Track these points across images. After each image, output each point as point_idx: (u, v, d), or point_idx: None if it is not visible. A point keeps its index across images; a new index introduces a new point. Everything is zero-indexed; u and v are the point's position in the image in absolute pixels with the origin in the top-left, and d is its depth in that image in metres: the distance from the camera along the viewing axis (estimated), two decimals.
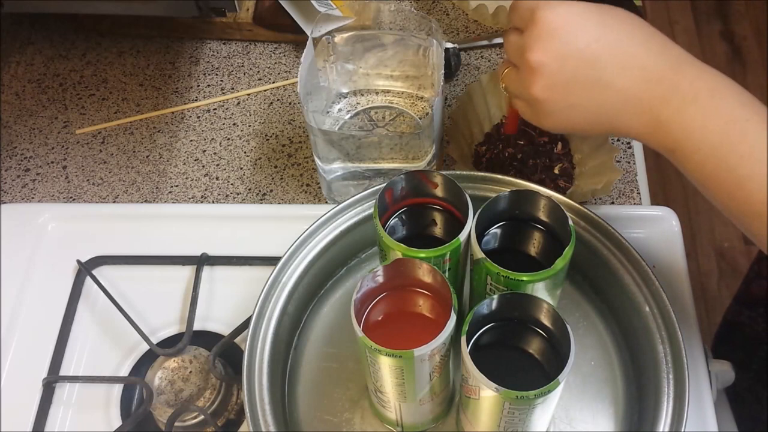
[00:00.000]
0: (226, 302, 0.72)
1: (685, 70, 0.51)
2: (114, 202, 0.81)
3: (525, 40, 0.52)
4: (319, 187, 0.79)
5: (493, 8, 0.88)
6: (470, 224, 0.56)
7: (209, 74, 0.89)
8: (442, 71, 0.69)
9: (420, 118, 0.78)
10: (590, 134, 0.56)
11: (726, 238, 1.75)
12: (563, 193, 0.67)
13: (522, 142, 0.77)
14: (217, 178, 0.81)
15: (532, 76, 0.52)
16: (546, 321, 0.53)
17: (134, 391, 0.68)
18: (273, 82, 0.88)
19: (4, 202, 0.81)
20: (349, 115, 0.79)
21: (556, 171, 0.76)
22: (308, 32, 0.73)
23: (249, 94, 0.87)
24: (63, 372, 0.69)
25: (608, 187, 0.72)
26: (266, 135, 0.84)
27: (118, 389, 0.68)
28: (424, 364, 0.51)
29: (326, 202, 0.78)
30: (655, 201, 0.79)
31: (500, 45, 0.88)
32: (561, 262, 0.54)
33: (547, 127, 0.55)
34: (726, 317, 0.98)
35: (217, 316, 0.71)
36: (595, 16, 0.51)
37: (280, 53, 0.90)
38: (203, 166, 0.82)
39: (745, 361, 0.75)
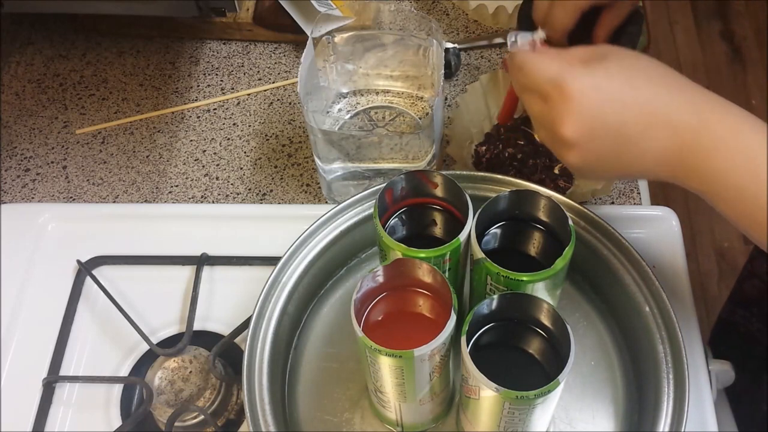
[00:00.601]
0: (226, 302, 0.72)
1: (708, 115, 0.52)
2: (114, 202, 0.81)
3: (552, 114, 0.53)
4: (319, 187, 0.79)
5: (493, 8, 0.88)
6: (470, 224, 0.56)
7: (209, 74, 0.89)
8: (442, 71, 0.69)
9: (420, 118, 0.78)
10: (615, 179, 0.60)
11: (726, 238, 1.75)
12: (563, 193, 0.67)
13: (522, 142, 0.77)
14: (217, 178, 0.81)
15: (564, 148, 0.54)
16: (546, 321, 0.53)
17: (134, 391, 0.68)
18: (273, 82, 0.88)
19: (4, 202, 0.81)
20: (349, 115, 0.79)
21: (556, 171, 0.76)
22: (308, 32, 0.73)
23: (249, 94, 0.87)
24: (63, 372, 0.69)
25: (608, 187, 0.72)
26: (266, 135, 0.84)
27: (118, 389, 0.68)
28: (424, 364, 0.51)
29: (326, 202, 0.78)
30: (655, 201, 0.79)
31: (500, 45, 0.88)
32: (561, 262, 0.54)
33: (582, 181, 0.59)
34: (721, 316, 0.98)
35: (217, 316, 0.71)
36: (617, 79, 0.52)
37: (280, 53, 0.90)
38: (203, 166, 0.82)
39: (741, 360, 0.76)
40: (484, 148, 0.78)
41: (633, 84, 0.52)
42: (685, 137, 0.51)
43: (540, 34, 0.59)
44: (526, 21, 0.70)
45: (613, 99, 0.52)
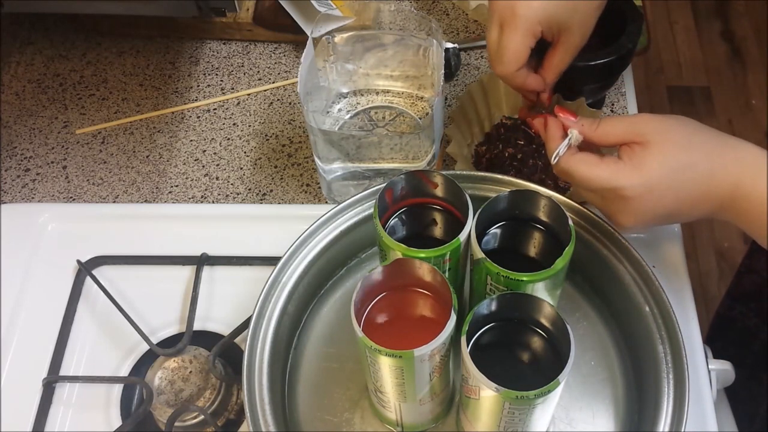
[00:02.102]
0: (226, 302, 0.72)
1: (742, 178, 0.56)
2: (114, 202, 0.81)
3: (611, 208, 0.59)
4: (319, 187, 0.79)
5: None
6: (470, 224, 0.56)
7: (209, 74, 0.89)
8: (442, 71, 0.69)
9: (420, 118, 0.78)
10: None
11: (726, 238, 1.75)
12: (563, 193, 0.67)
13: (522, 142, 0.77)
14: (217, 178, 0.81)
15: (621, 228, 0.61)
16: (546, 321, 0.53)
17: (134, 391, 0.68)
18: (273, 82, 0.88)
19: (4, 202, 0.81)
20: (349, 115, 0.79)
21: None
22: (308, 32, 0.73)
23: (249, 94, 0.87)
24: (63, 372, 0.69)
25: None
26: (266, 135, 0.84)
27: (118, 389, 0.68)
28: (424, 364, 0.51)
29: (326, 202, 0.78)
30: None
31: None
32: (561, 262, 0.54)
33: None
34: (719, 312, 0.98)
35: (217, 316, 0.71)
36: (665, 170, 0.56)
37: (280, 53, 0.90)
38: (203, 166, 0.82)
39: (739, 356, 0.76)
40: (484, 148, 0.78)
41: (679, 173, 0.56)
42: (724, 203, 0.57)
43: (576, 137, 0.60)
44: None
45: (662, 192, 0.57)
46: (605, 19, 0.70)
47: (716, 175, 0.56)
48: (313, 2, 0.82)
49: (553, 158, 0.60)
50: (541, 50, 0.66)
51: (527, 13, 0.62)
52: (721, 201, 0.57)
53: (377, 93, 0.79)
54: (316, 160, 0.73)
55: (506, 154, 0.77)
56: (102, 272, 0.74)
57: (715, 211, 0.58)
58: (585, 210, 0.64)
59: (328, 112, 0.78)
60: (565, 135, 0.60)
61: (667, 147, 0.57)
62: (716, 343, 0.96)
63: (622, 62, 0.75)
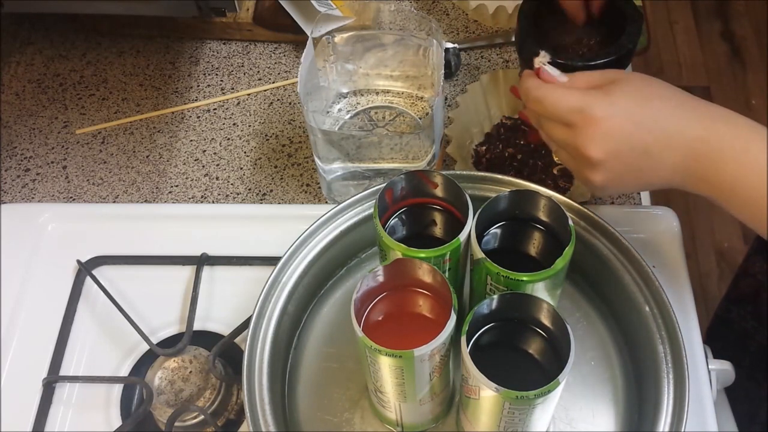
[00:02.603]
0: (226, 302, 0.72)
1: (716, 126, 0.55)
2: (114, 202, 0.81)
3: (578, 139, 0.56)
4: (319, 187, 0.79)
5: (493, 8, 0.88)
6: (470, 224, 0.56)
7: (209, 74, 0.89)
8: (442, 71, 0.69)
9: (420, 118, 0.78)
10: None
11: (726, 238, 1.75)
12: (563, 193, 0.67)
13: (522, 142, 0.77)
14: (217, 178, 0.81)
15: (590, 169, 0.57)
16: (546, 321, 0.53)
17: (134, 391, 0.68)
18: (273, 82, 0.88)
19: (4, 202, 0.81)
20: (349, 115, 0.79)
21: (556, 171, 0.76)
22: (308, 32, 0.73)
23: (249, 94, 0.87)
24: (63, 372, 0.69)
25: None
26: (266, 135, 0.84)
27: (118, 389, 0.68)
28: (424, 364, 0.51)
29: (326, 202, 0.78)
30: (656, 201, 0.79)
31: (500, 45, 0.88)
32: (561, 262, 0.54)
33: (603, 197, 0.64)
34: (717, 314, 0.98)
35: (217, 316, 0.71)
36: (636, 102, 0.56)
37: (280, 53, 0.90)
38: (203, 166, 0.82)
39: (737, 358, 0.76)
40: (484, 148, 0.79)
41: (651, 105, 0.56)
42: (696, 148, 0.55)
43: (544, 58, 0.61)
44: (526, 21, 0.70)
45: (635, 121, 0.55)
46: (605, 19, 0.70)
47: (689, 115, 0.55)
48: (313, 2, 0.82)
49: (535, 65, 0.61)
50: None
51: None
52: (692, 143, 0.55)
53: (377, 93, 0.79)
54: (316, 160, 0.73)
55: (506, 154, 0.77)
56: (102, 272, 0.74)
57: (686, 162, 0.55)
58: (585, 210, 0.65)
59: (328, 112, 0.78)
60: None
61: (637, 81, 0.56)
62: (715, 343, 0.96)
63: (622, 62, 0.75)
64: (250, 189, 0.80)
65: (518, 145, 0.77)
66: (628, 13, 0.73)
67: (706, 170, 0.55)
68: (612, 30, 0.73)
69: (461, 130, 0.77)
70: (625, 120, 0.55)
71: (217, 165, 0.82)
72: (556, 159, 0.63)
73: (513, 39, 0.86)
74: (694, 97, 0.57)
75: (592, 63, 0.72)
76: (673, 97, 0.57)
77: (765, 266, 0.87)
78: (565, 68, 0.71)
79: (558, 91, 0.58)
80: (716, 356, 0.68)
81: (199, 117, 0.86)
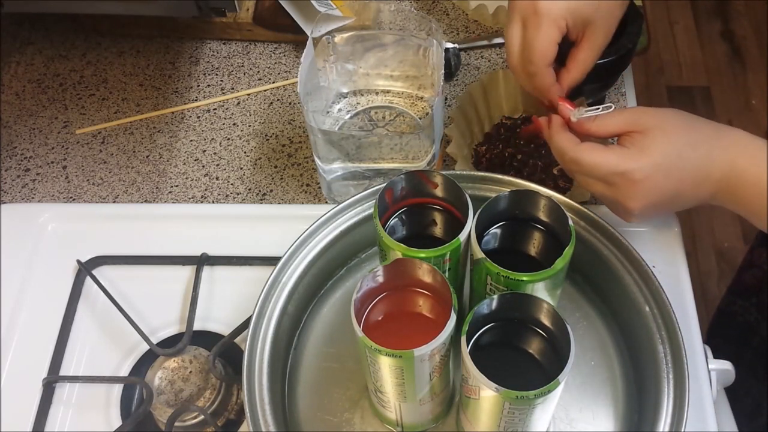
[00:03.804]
0: (226, 302, 0.72)
1: (738, 160, 0.59)
2: (114, 202, 0.81)
3: (619, 195, 0.60)
4: (319, 187, 0.79)
5: (493, 8, 0.88)
6: (470, 224, 0.56)
7: (209, 74, 0.89)
8: (442, 71, 0.69)
9: (420, 118, 0.78)
10: None
11: (726, 238, 1.75)
12: (563, 193, 0.67)
13: (522, 142, 0.77)
14: (217, 178, 0.81)
15: (629, 216, 0.62)
16: (546, 321, 0.53)
17: (134, 391, 0.68)
18: (273, 82, 0.88)
19: (4, 202, 0.81)
20: (349, 115, 0.79)
21: (556, 171, 0.76)
22: (308, 32, 0.73)
23: (249, 94, 0.87)
24: (63, 372, 0.69)
25: None
26: (266, 135, 0.84)
27: (118, 389, 0.68)
28: (424, 364, 0.51)
29: (326, 202, 0.78)
30: None
31: (500, 45, 0.88)
32: (561, 262, 0.54)
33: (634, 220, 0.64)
34: (720, 307, 0.98)
35: (217, 316, 0.71)
36: (668, 156, 0.59)
37: (280, 53, 0.90)
38: (203, 166, 0.82)
39: (738, 353, 0.77)
40: (484, 148, 0.78)
41: (681, 157, 0.59)
42: (721, 185, 0.59)
43: (580, 111, 0.62)
44: None
45: (670, 176, 0.59)
46: None
47: (714, 155, 0.59)
48: (313, 2, 0.82)
49: (573, 117, 0.62)
50: (560, 57, 0.65)
51: (551, 7, 0.62)
52: (718, 180, 0.59)
53: (377, 93, 0.79)
54: (316, 160, 0.73)
55: (506, 154, 0.77)
56: (102, 272, 0.74)
57: (714, 192, 0.59)
58: (585, 210, 0.65)
59: (328, 112, 0.78)
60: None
61: (669, 131, 0.59)
62: (716, 339, 0.96)
63: (623, 62, 0.75)
64: (250, 189, 0.80)
65: (518, 145, 0.77)
66: (628, 13, 0.73)
67: (730, 194, 0.59)
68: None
69: (461, 130, 0.77)
70: (661, 178, 0.58)
71: (217, 165, 0.82)
72: (592, 192, 0.65)
73: None
74: (713, 126, 0.60)
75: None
76: (698, 134, 0.60)
77: None
78: None
79: (595, 153, 0.59)
80: (717, 353, 0.68)
81: (199, 117, 0.86)
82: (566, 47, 0.66)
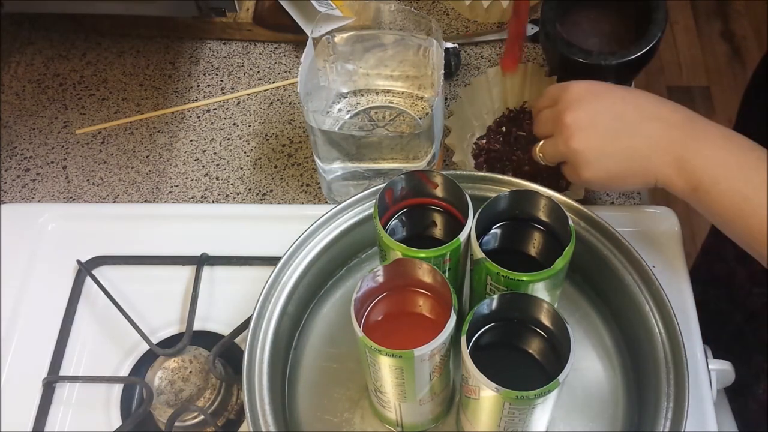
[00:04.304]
0: (226, 302, 0.72)
1: (698, 121, 0.60)
2: (114, 202, 0.81)
3: (559, 108, 0.63)
4: (319, 187, 0.79)
5: (487, 5, 0.88)
6: (470, 224, 0.56)
7: (209, 74, 0.89)
8: (442, 71, 0.69)
9: (420, 118, 0.78)
10: (625, 186, 0.66)
11: None
12: (563, 192, 0.67)
13: (524, 133, 0.78)
14: (217, 178, 0.81)
15: (569, 132, 0.62)
16: (546, 321, 0.53)
17: (134, 391, 0.68)
18: (273, 82, 0.88)
19: (4, 202, 0.81)
20: (349, 115, 0.79)
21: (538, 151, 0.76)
22: (308, 32, 0.73)
23: (249, 94, 0.87)
24: (63, 372, 0.69)
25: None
26: (266, 135, 0.84)
27: (118, 389, 0.68)
28: (424, 364, 0.51)
29: (326, 202, 0.78)
30: (655, 201, 0.79)
31: (501, 41, 0.88)
32: (561, 262, 0.54)
33: (586, 178, 0.63)
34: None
35: (217, 316, 0.71)
36: (615, 86, 0.63)
37: (280, 53, 0.90)
38: (203, 166, 0.82)
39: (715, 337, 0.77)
40: (484, 141, 0.79)
41: (627, 90, 0.63)
42: (679, 133, 0.59)
43: None
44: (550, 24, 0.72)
45: (610, 95, 0.62)
46: (627, 10, 0.73)
47: (668, 109, 0.61)
48: (313, 2, 0.82)
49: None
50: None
51: None
52: (671, 130, 0.59)
53: (377, 93, 0.79)
54: (316, 160, 0.73)
55: (506, 149, 0.77)
56: (102, 272, 0.74)
57: (665, 142, 0.59)
58: (585, 210, 0.65)
59: (328, 112, 0.78)
60: None
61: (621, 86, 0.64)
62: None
63: (652, 53, 0.75)
64: (250, 189, 0.80)
65: (519, 139, 0.77)
66: (650, 2, 0.74)
67: (688, 154, 0.58)
68: (637, 19, 0.74)
69: (462, 122, 0.77)
70: (599, 92, 0.61)
71: (217, 165, 0.82)
72: (539, 156, 0.68)
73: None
74: (675, 103, 0.62)
75: (627, 59, 0.72)
76: (654, 95, 0.63)
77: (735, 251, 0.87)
78: (600, 68, 0.73)
79: (553, 84, 0.66)
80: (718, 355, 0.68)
81: (199, 117, 0.86)
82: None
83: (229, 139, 0.84)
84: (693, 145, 0.59)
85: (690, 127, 0.59)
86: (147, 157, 0.83)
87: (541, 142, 0.67)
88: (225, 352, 0.67)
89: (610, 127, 0.61)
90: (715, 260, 0.93)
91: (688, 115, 0.61)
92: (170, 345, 0.68)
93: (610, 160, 0.61)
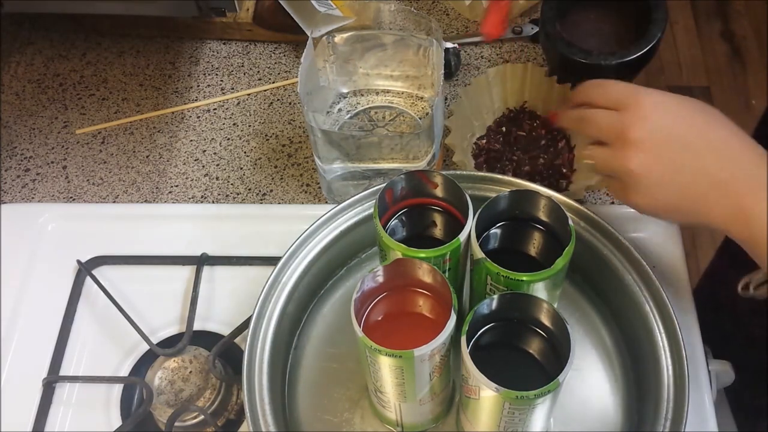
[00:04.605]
0: (226, 302, 0.72)
1: (764, 160, 0.54)
2: (114, 202, 0.81)
3: (624, 120, 0.57)
4: (319, 187, 0.79)
5: (487, 4, 0.88)
6: (470, 224, 0.56)
7: (209, 74, 0.89)
8: (442, 71, 0.69)
9: (420, 118, 0.78)
10: (671, 218, 0.62)
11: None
12: (563, 192, 0.67)
13: (524, 133, 0.77)
14: (217, 178, 0.81)
15: (630, 151, 0.56)
16: (546, 321, 0.53)
17: (134, 391, 0.68)
18: (273, 82, 0.88)
19: (4, 202, 0.81)
20: (349, 115, 0.79)
21: (558, 162, 0.76)
22: (308, 32, 0.73)
23: (249, 94, 0.87)
24: (63, 372, 0.69)
25: (602, 181, 0.73)
26: (266, 135, 0.84)
27: (118, 389, 0.68)
28: (424, 364, 0.51)
29: (326, 202, 0.78)
30: None
31: (501, 41, 0.88)
32: (561, 262, 0.54)
33: (634, 202, 0.59)
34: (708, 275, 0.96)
35: (217, 316, 0.71)
36: (688, 105, 0.57)
37: (280, 53, 0.90)
38: (203, 166, 0.82)
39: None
40: (484, 141, 0.79)
41: (700, 114, 0.57)
42: (745, 174, 0.54)
43: None
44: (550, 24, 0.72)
45: (681, 116, 0.56)
46: (626, 10, 0.73)
47: (743, 145, 0.56)
48: (313, 2, 0.82)
49: None
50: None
51: None
52: (746, 164, 0.54)
53: (377, 93, 0.79)
54: (316, 160, 0.73)
55: (506, 148, 0.77)
56: (102, 272, 0.74)
57: (726, 183, 0.54)
58: (585, 210, 0.65)
59: (328, 112, 0.78)
60: None
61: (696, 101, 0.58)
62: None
63: (652, 52, 0.75)
64: (250, 189, 0.80)
65: (519, 139, 0.77)
66: (649, 1, 0.74)
67: (749, 202, 0.53)
68: (636, 19, 0.75)
69: (462, 121, 0.77)
70: (670, 111, 0.56)
71: (217, 165, 0.82)
72: (587, 161, 0.62)
73: (511, 33, 0.87)
74: (743, 132, 0.57)
75: (627, 59, 0.72)
76: (726, 121, 0.57)
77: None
78: (600, 68, 0.73)
79: (615, 81, 0.59)
80: (716, 355, 0.68)
81: (199, 117, 0.86)
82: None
83: (229, 139, 0.84)
84: (757, 193, 0.53)
85: (759, 170, 0.54)
86: (147, 157, 0.83)
87: (593, 147, 0.60)
88: (225, 352, 0.67)
89: (676, 158, 0.55)
90: (719, 285, 0.92)
91: (756, 151, 0.55)
92: (170, 345, 0.68)
93: (666, 192, 0.56)
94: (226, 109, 0.86)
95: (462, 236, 0.55)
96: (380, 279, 0.54)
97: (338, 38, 0.75)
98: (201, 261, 0.73)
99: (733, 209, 0.54)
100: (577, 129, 0.62)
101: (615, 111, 0.57)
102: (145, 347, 0.69)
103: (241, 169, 0.82)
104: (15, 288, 0.73)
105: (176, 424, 0.64)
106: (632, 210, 0.74)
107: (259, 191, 0.80)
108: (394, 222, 0.60)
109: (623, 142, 0.56)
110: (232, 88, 0.88)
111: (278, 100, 0.87)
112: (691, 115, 0.56)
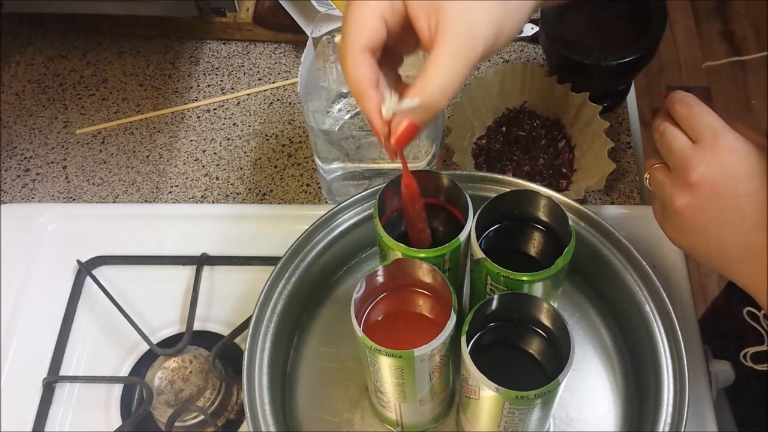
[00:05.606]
0: (226, 302, 0.71)
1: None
2: (114, 202, 0.81)
3: (693, 157, 0.54)
4: (319, 187, 0.79)
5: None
6: (470, 224, 0.56)
7: (209, 74, 0.89)
8: None
9: None
10: (696, 259, 0.60)
11: None
12: (563, 191, 0.67)
13: (524, 133, 0.77)
14: (217, 178, 0.81)
15: (684, 191, 0.54)
16: (546, 321, 0.53)
17: (134, 391, 0.68)
18: (273, 82, 0.88)
19: (4, 202, 0.81)
20: (349, 115, 0.79)
21: (558, 162, 0.76)
22: (308, 32, 0.73)
23: (249, 94, 0.87)
24: (63, 372, 0.69)
25: (602, 181, 0.73)
26: (266, 135, 0.84)
27: (118, 389, 0.68)
28: (424, 364, 0.51)
29: (326, 202, 0.78)
30: None
31: None
32: (561, 262, 0.54)
33: (668, 234, 0.58)
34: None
35: (217, 316, 0.71)
36: (757, 165, 0.54)
37: (280, 53, 0.90)
38: (203, 166, 0.82)
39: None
40: (484, 141, 0.79)
41: (757, 168, 0.54)
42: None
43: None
44: (550, 24, 0.72)
45: (748, 179, 0.53)
46: (626, 11, 0.72)
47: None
48: (313, 2, 0.82)
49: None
50: None
51: None
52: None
53: None
54: (316, 160, 0.73)
55: (506, 149, 0.77)
56: (102, 272, 0.74)
57: (757, 251, 0.53)
58: (585, 210, 0.65)
59: (328, 112, 0.78)
60: None
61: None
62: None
63: (651, 53, 0.75)
64: (250, 189, 0.80)
65: (519, 139, 0.77)
66: (651, 2, 0.74)
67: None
68: (636, 19, 0.75)
69: (462, 121, 0.77)
70: (745, 168, 0.53)
71: (217, 165, 0.82)
72: (645, 176, 0.60)
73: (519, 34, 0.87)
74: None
75: (627, 59, 0.73)
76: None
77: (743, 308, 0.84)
78: (600, 68, 0.73)
79: (709, 110, 0.56)
80: (717, 354, 0.68)
81: (199, 117, 0.86)
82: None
83: (229, 139, 0.84)
84: None
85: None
86: (147, 157, 0.83)
87: (657, 166, 0.58)
88: (225, 352, 0.67)
89: (726, 216, 0.54)
90: (725, 317, 0.91)
91: None
92: (170, 345, 0.68)
93: (701, 240, 0.56)
94: (226, 109, 0.86)
95: (462, 236, 0.55)
96: (380, 279, 0.54)
97: (338, 38, 0.75)
98: (201, 261, 0.73)
99: (762, 275, 0.53)
100: (654, 139, 0.60)
101: (690, 141, 0.55)
102: (145, 347, 0.69)
103: (241, 169, 0.82)
104: (15, 288, 0.73)
105: (176, 424, 0.64)
106: (632, 210, 0.75)
107: (259, 191, 0.80)
108: (394, 222, 0.60)
109: (682, 178, 0.55)
110: (232, 88, 0.88)
111: (278, 100, 0.87)
112: (757, 178, 0.54)
